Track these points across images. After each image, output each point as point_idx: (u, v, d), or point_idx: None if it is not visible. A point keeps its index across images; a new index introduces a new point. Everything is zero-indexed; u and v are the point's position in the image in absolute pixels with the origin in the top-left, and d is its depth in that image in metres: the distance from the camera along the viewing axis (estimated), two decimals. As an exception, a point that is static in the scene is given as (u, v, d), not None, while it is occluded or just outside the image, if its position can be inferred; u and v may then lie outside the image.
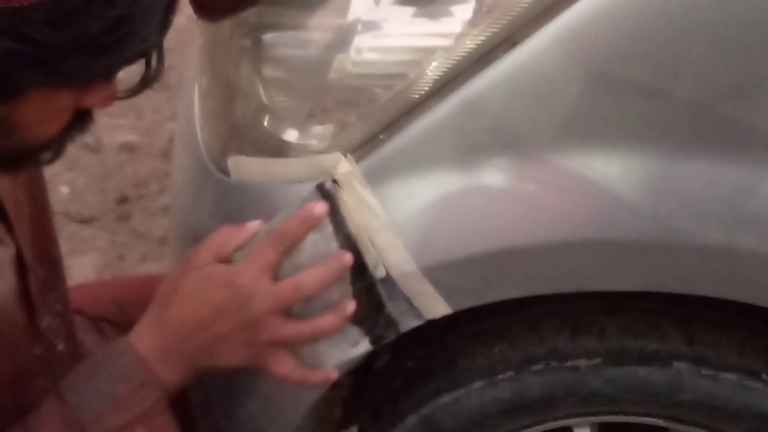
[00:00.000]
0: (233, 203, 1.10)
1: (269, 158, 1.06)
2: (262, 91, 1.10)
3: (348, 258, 0.97)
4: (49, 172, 2.70)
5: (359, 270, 0.99)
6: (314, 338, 0.99)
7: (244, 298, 0.96)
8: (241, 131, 1.11)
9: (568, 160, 0.96)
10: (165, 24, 0.83)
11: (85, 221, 2.57)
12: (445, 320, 1.06)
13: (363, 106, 1.01)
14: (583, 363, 1.10)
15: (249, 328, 0.97)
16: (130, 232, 2.54)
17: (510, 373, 1.12)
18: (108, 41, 0.77)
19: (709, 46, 0.90)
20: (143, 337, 0.98)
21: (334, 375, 1.03)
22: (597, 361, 1.10)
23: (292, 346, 1.00)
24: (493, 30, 0.94)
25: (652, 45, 0.91)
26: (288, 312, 0.98)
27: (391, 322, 1.03)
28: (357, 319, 1.01)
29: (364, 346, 1.03)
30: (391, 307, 1.02)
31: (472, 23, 0.95)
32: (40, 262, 1.08)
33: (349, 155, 1.01)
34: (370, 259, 0.99)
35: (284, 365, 1.00)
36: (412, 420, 1.17)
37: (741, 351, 1.09)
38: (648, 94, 0.93)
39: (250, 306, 0.96)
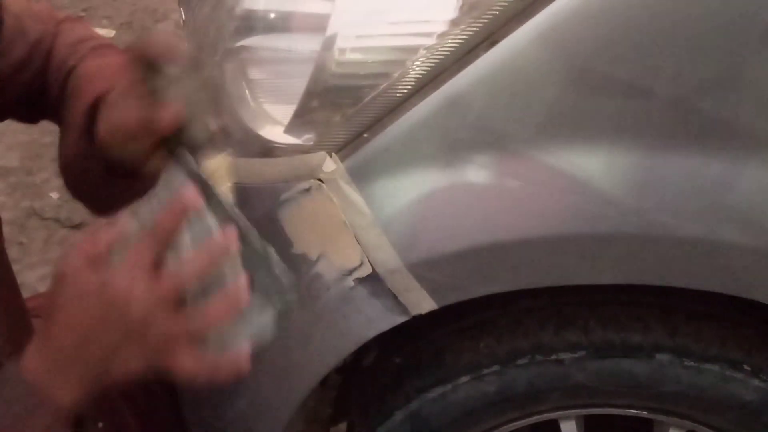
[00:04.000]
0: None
1: (255, 159, 1.07)
2: (247, 93, 1.11)
3: (231, 236, 0.89)
4: (39, 178, 2.72)
5: (241, 242, 0.91)
6: (210, 326, 0.90)
7: (123, 302, 0.88)
8: (228, 132, 1.12)
9: (550, 156, 0.97)
10: None
11: (75, 226, 2.58)
12: (432, 315, 1.07)
13: (347, 106, 1.02)
14: (567, 356, 1.12)
15: (137, 331, 0.89)
16: (119, 236, 2.54)
17: (496, 368, 1.14)
18: None
19: (686, 42, 0.92)
20: (32, 358, 0.92)
21: (245, 354, 0.92)
22: (581, 354, 1.11)
23: (192, 339, 0.91)
24: (474, 29, 0.95)
25: (631, 42, 0.92)
26: (182, 304, 0.90)
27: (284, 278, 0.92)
28: (253, 286, 0.91)
29: (269, 313, 0.91)
30: (279, 269, 0.92)
31: (454, 22, 0.96)
32: None
33: (333, 154, 1.02)
34: (249, 233, 0.92)
35: (187, 361, 0.91)
36: (400, 415, 1.19)
37: (723, 342, 1.11)
38: (627, 91, 0.94)
39: (131, 309, 0.88)
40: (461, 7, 0.96)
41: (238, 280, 0.89)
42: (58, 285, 0.91)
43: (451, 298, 1.06)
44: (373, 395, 1.24)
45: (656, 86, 0.94)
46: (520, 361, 1.13)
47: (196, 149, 0.94)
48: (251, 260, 0.91)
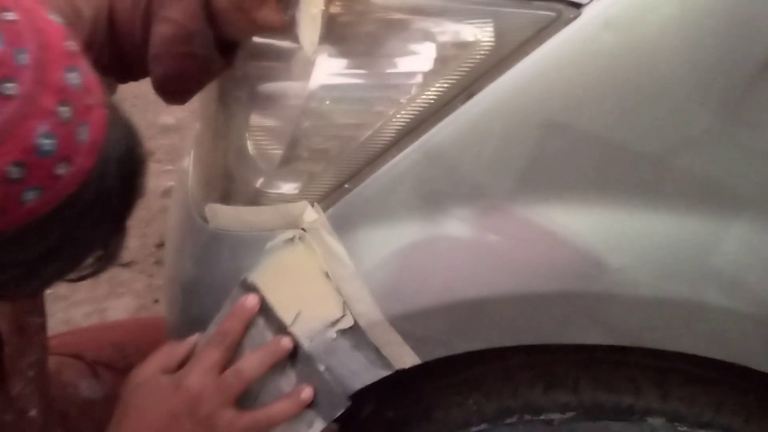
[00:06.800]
0: (212, 250, 1.12)
1: (242, 206, 1.07)
2: (248, 139, 1.11)
3: (286, 341, 1.00)
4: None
5: (294, 355, 1.02)
6: (272, 425, 1.01)
7: (193, 398, 0.98)
8: (221, 178, 1.12)
9: (530, 211, 0.95)
10: (110, 238, 0.89)
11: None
12: (424, 369, 1.05)
13: (329, 156, 1.01)
14: (556, 417, 1.08)
15: (204, 426, 0.99)
16: (167, 276, 2.57)
17: (484, 426, 1.11)
18: (39, 266, 0.82)
19: (668, 99, 0.89)
20: None
21: None
22: (570, 415, 1.08)
23: None
24: (450, 81, 0.94)
25: (607, 98, 0.90)
26: (242, 404, 1.01)
27: (336, 397, 1.04)
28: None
29: (319, 425, 1.04)
30: (333, 383, 1.03)
31: (431, 74, 0.95)
32: (16, 331, 1.09)
33: (316, 204, 1.01)
34: (303, 343, 1.01)
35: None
36: (388, 470, 1.17)
37: (718, 408, 1.06)
38: (607, 147, 0.92)
39: (200, 405, 0.98)
40: (438, 60, 0.95)
41: (303, 390, 1.01)
42: (133, 389, 1.01)
43: (435, 353, 1.04)
44: (366, 448, 1.22)
45: (637, 143, 0.91)
46: (508, 420, 1.10)
47: None
48: (304, 372, 1.02)
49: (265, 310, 1.01)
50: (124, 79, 1.18)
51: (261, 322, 1.02)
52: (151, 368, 1.02)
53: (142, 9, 1.10)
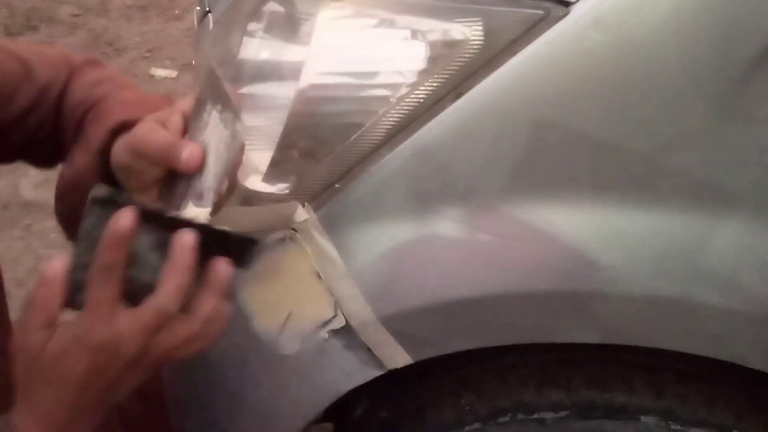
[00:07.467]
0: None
1: (234, 207, 1.07)
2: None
3: (188, 237, 0.86)
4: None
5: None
6: (214, 322, 0.89)
7: (112, 345, 0.85)
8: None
9: (520, 210, 0.95)
10: None
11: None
12: (418, 368, 1.05)
13: (320, 155, 1.01)
14: (549, 416, 1.08)
15: (136, 361, 0.87)
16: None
17: (477, 425, 1.11)
18: None
19: (658, 97, 0.89)
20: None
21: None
22: (563, 414, 1.08)
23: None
24: (440, 80, 0.93)
25: (597, 96, 0.90)
26: None
27: None
28: None
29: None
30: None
31: (423, 73, 0.95)
32: None
33: (306, 204, 1.01)
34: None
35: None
36: (382, 470, 1.17)
37: (711, 406, 1.06)
38: (596, 145, 0.92)
39: (123, 348, 0.85)
40: (427, 59, 0.95)
41: (220, 266, 0.88)
42: (27, 366, 0.87)
43: (427, 353, 1.04)
44: (360, 449, 1.22)
45: (629, 141, 0.91)
46: (501, 419, 1.10)
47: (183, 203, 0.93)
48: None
49: (148, 217, 0.86)
50: (46, 162, 1.19)
51: (151, 229, 0.86)
52: (34, 334, 0.85)
53: (79, 115, 1.10)
